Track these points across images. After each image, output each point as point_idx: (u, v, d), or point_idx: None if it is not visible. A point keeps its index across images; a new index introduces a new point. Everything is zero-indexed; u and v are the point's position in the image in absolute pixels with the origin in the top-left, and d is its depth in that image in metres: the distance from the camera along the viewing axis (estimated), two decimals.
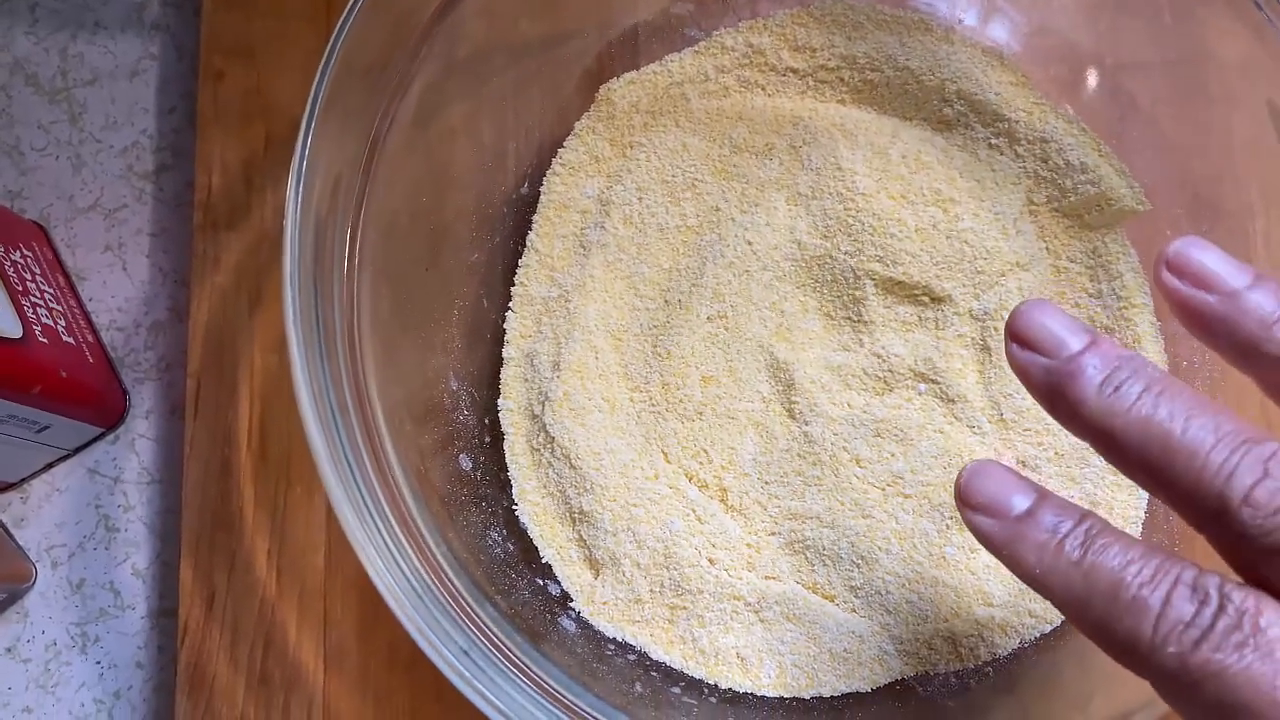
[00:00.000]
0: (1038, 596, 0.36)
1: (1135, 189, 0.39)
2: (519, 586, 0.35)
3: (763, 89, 0.42)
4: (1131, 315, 0.39)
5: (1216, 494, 0.22)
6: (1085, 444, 0.38)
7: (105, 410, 0.45)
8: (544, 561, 0.37)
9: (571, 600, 0.36)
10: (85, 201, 0.48)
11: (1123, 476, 0.37)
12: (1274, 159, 0.38)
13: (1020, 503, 0.25)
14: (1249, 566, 0.22)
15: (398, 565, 0.30)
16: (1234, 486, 0.21)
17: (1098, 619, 0.22)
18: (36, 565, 0.45)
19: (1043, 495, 0.25)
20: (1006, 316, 0.38)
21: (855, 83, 0.41)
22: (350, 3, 0.34)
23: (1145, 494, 0.38)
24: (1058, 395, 0.24)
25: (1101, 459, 0.38)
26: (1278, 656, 0.20)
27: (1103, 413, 0.23)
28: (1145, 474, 0.23)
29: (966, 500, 0.25)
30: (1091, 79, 0.41)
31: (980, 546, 0.37)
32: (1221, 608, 0.21)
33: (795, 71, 0.42)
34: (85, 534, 0.45)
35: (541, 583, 0.36)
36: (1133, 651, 0.22)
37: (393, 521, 0.31)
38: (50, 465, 0.45)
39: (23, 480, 0.45)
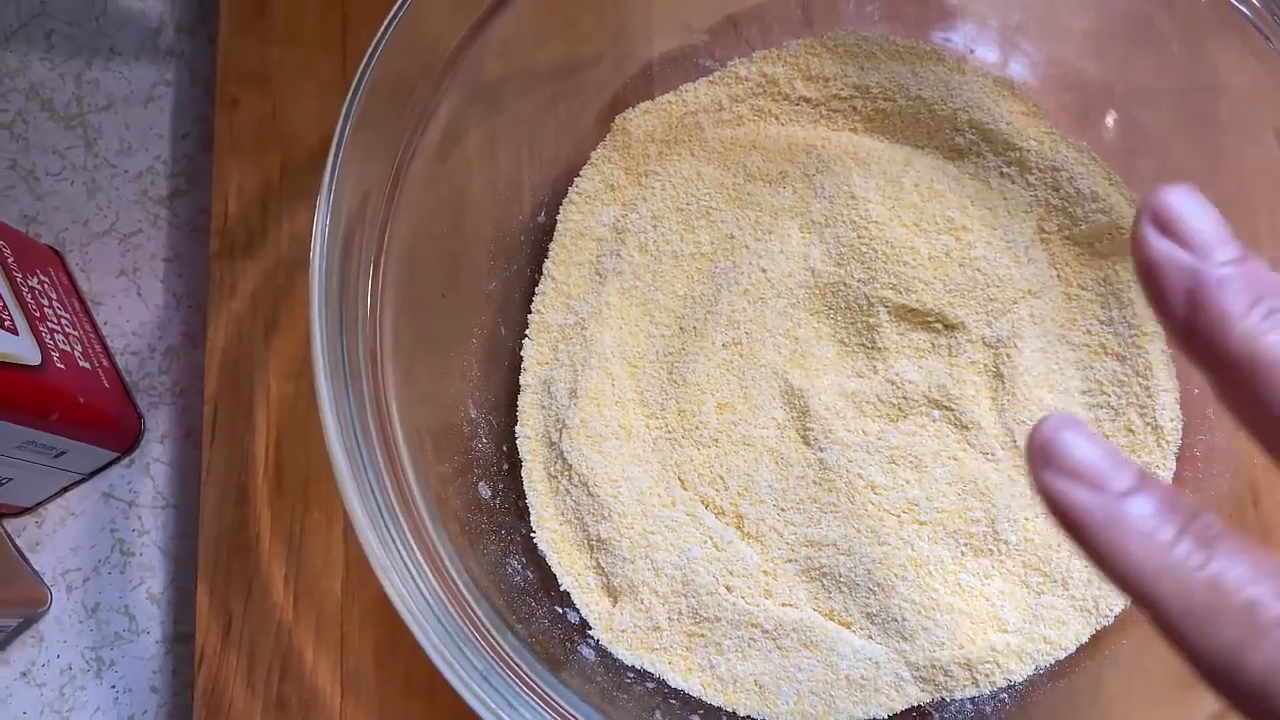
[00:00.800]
0: (1052, 622, 0.36)
1: None
2: (538, 614, 0.35)
3: (776, 118, 0.42)
4: (1143, 343, 0.39)
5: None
6: None
7: (121, 435, 0.45)
8: (562, 589, 0.37)
9: (590, 628, 0.37)
10: (100, 226, 0.48)
11: None
12: None
13: (1125, 477, 0.19)
14: None
15: (419, 590, 0.31)
16: None
17: (1223, 644, 0.18)
18: (52, 589, 0.45)
19: (1148, 476, 0.20)
20: (1019, 344, 0.39)
21: (868, 111, 0.42)
22: (379, 32, 0.35)
23: None
24: (1198, 302, 0.20)
25: None
26: None
27: (1250, 339, 0.19)
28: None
29: (1053, 459, 0.20)
30: (1102, 108, 0.42)
31: (994, 573, 0.37)
32: None
33: (808, 100, 0.42)
34: (100, 558, 0.45)
35: (560, 610, 0.37)
36: (1237, 681, 0.18)
37: (414, 546, 0.32)
38: (65, 489, 0.46)
39: (38, 504, 0.45)
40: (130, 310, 0.48)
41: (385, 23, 0.35)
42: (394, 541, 0.30)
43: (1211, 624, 0.18)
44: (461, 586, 0.32)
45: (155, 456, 0.46)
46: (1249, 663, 0.18)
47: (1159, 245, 0.20)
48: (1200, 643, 0.19)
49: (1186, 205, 0.20)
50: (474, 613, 0.31)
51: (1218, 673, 0.19)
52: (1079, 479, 0.19)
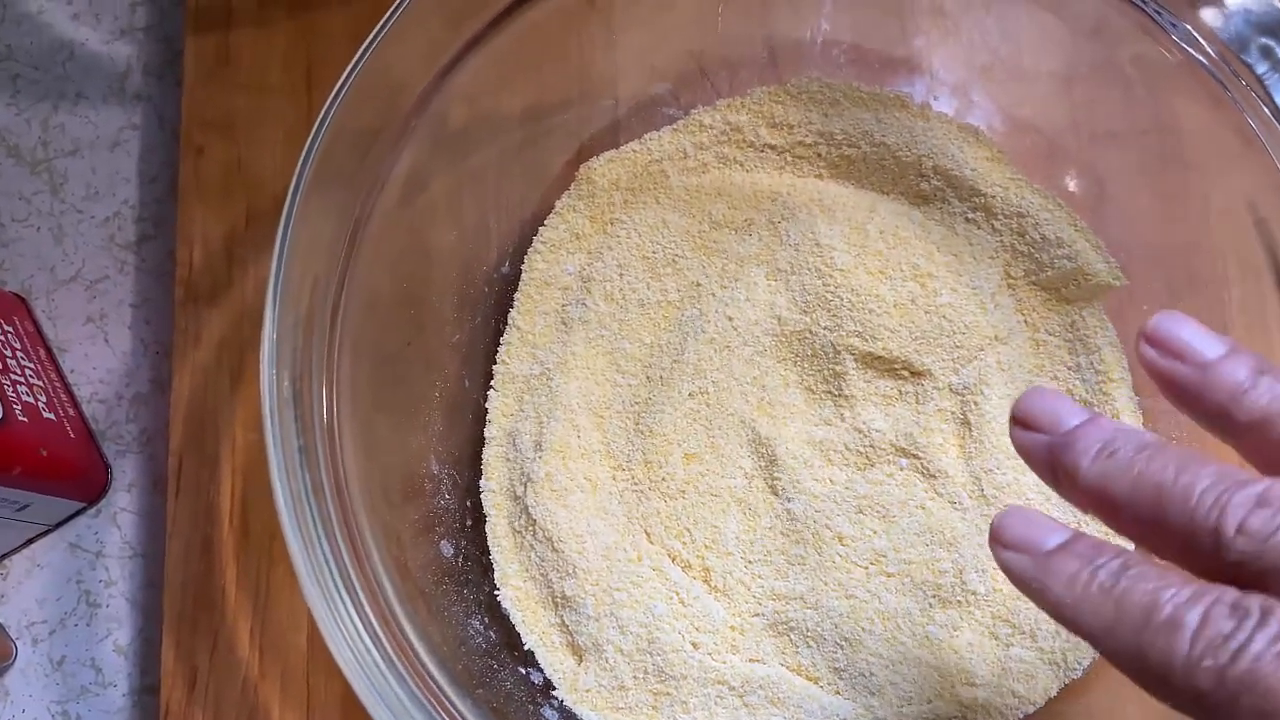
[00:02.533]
0: (1020, 676, 0.36)
1: (1111, 264, 0.40)
2: (501, 677, 0.35)
3: (741, 165, 0.42)
4: (1110, 390, 0.39)
5: (1211, 529, 0.22)
6: (1066, 520, 0.38)
7: (86, 485, 0.45)
8: (526, 649, 0.37)
9: (554, 689, 0.36)
10: (66, 273, 0.48)
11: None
12: (1248, 229, 0.38)
13: (1054, 538, 0.24)
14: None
15: (373, 660, 0.30)
16: (1227, 520, 0.22)
17: (1129, 645, 0.22)
18: (17, 643, 0.44)
19: (1079, 534, 0.25)
20: (986, 391, 0.39)
21: (833, 158, 0.42)
22: (339, 81, 0.35)
23: None
24: (1057, 465, 0.25)
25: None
26: None
27: (1098, 475, 0.24)
28: (1141, 527, 0.23)
29: (998, 538, 0.25)
30: (1066, 152, 0.42)
31: (962, 624, 0.37)
32: (1263, 621, 0.20)
33: (773, 148, 0.42)
34: (66, 610, 0.45)
35: (524, 671, 0.36)
36: (1167, 676, 0.21)
37: (369, 612, 0.31)
38: (30, 541, 0.45)
39: (3, 557, 0.45)
40: (97, 357, 0.47)
41: (348, 69, 0.35)
42: (345, 607, 0.30)
43: (1117, 631, 0.22)
44: (419, 651, 0.31)
45: (123, 506, 0.46)
46: (1153, 659, 0.21)
47: (1023, 436, 0.26)
48: (1114, 656, 0.22)
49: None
50: (434, 681, 0.31)
51: (1149, 680, 0.22)
52: (1015, 547, 0.25)
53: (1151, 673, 0.22)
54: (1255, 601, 0.21)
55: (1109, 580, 0.23)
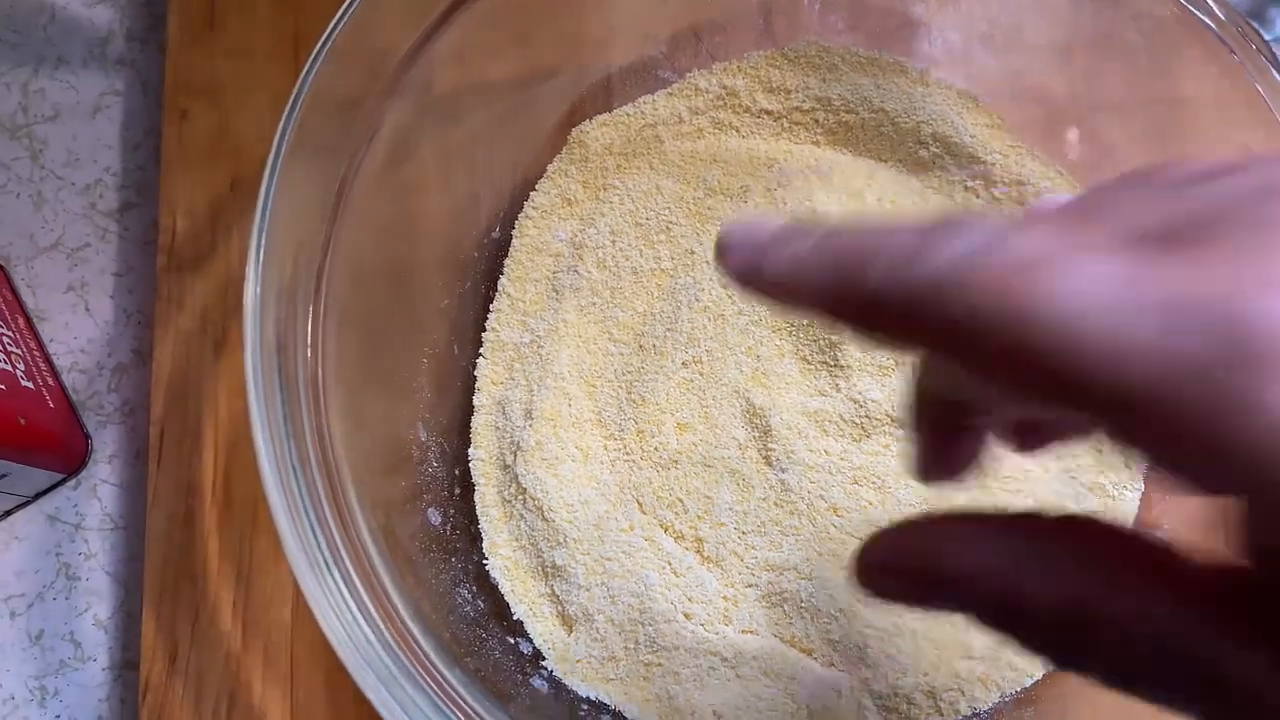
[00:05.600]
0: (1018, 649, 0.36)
1: None
2: (489, 646, 0.34)
3: (737, 130, 0.41)
4: None
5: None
6: (1066, 494, 0.38)
7: (66, 456, 0.44)
8: (515, 618, 0.36)
9: (544, 659, 0.36)
10: (47, 240, 0.47)
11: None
12: None
13: (770, 229, 0.21)
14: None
15: (361, 630, 0.29)
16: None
17: (849, 282, 0.18)
18: None
19: (797, 227, 0.21)
20: None
21: (830, 124, 0.41)
22: (319, 42, 0.34)
23: None
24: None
25: (1081, 508, 0.37)
26: (1032, 242, 0.17)
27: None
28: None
29: (721, 252, 0.22)
30: (1067, 121, 0.41)
31: None
32: (976, 225, 0.17)
33: (769, 113, 0.41)
34: (45, 583, 0.44)
35: (513, 641, 0.36)
36: (885, 302, 0.18)
37: (356, 581, 0.30)
38: (9, 512, 0.44)
39: None
40: (78, 326, 0.46)
41: (328, 29, 0.34)
42: (332, 576, 0.29)
43: (823, 289, 0.19)
44: (407, 620, 0.30)
45: (103, 477, 0.45)
46: (857, 295, 0.18)
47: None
48: (827, 315, 0.19)
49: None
50: (421, 649, 0.30)
51: (857, 319, 0.19)
52: (736, 251, 0.21)
53: (873, 305, 0.18)
54: (971, 218, 0.18)
55: (824, 240, 0.20)
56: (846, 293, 0.19)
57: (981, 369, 0.18)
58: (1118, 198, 0.19)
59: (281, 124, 0.33)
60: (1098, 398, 0.16)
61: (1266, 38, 0.38)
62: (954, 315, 0.17)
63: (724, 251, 0.22)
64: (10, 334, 0.44)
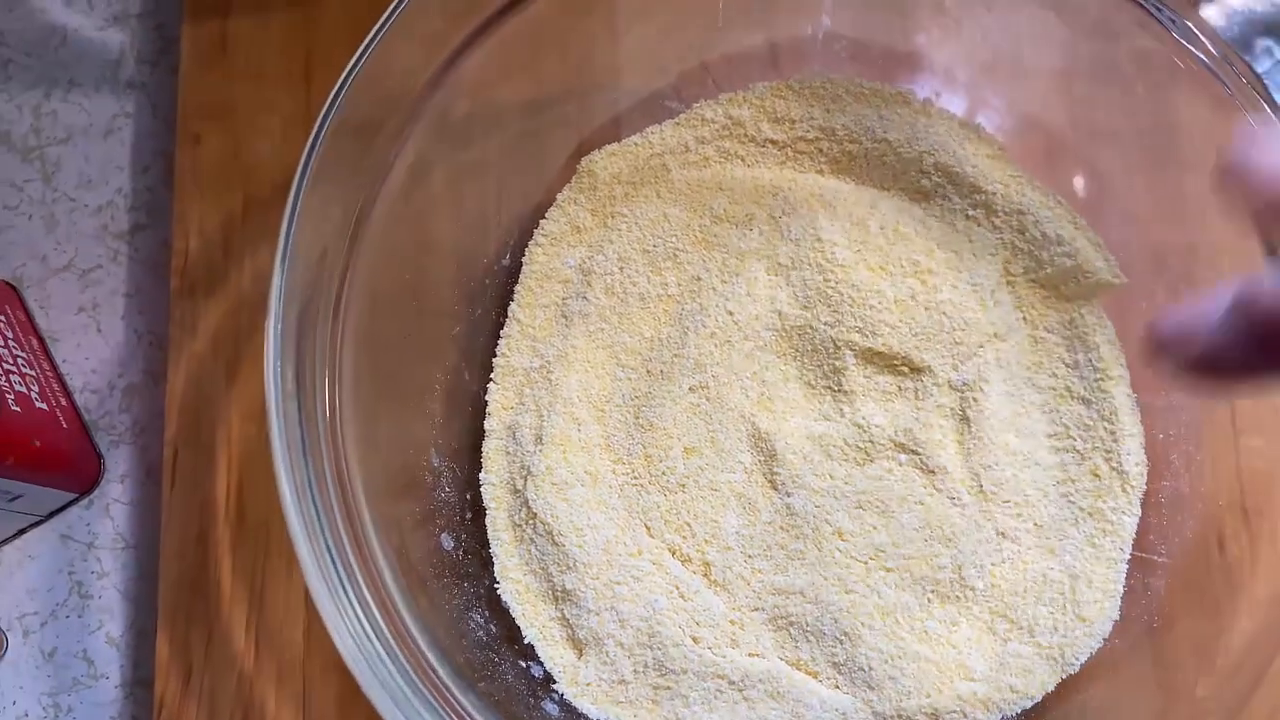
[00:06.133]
0: (1018, 670, 0.36)
1: (1110, 262, 0.40)
2: (501, 670, 0.35)
3: (742, 160, 0.42)
4: (1108, 387, 0.39)
5: None
6: (1064, 518, 0.39)
7: (79, 476, 0.45)
8: (526, 642, 0.37)
9: (555, 682, 0.36)
10: (59, 262, 0.48)
11: (1101, 550, 0.38)
12: (1247, 228, 0.38)
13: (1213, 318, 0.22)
14: None
15: (374, 648, 0.30)
16: None
17: None
18: (8, 634, 0.44)
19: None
20: (985, 387, 0.39)
21: (834, 154, 0.42)
22: (343, 73, 0.34)
23: (1124, 566, 0.38)
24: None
25: (1080, 532, 0.38)
26: None
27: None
28: None
29: (1159, 351, 0.24)
30: (1067, 150, 0.42)
31: (960, 620, 0.37)
32: None
33: (775, 143, 0.42)
34: (58, 601, 0.44)
35: (524, 665, 0.36)
36: None
37: (371, 604, 0.31)
38: (21, 531, 0.45)
39: None
40: (90, 347, 0.47)
41: (352, 61, 0.35)
42: (348, 598, 0.30)
43: None
44: (420, 643, 0.31)
45: (115, 497, 0.45)
46: None
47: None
48: None
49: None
50: (435, 673, 0.31)
51: None
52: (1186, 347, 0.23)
53: None
54: None
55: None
56: None
57: None
58: None
59: (305, 151, 0.34)
60: None
61: (1258, 70, 0.38)
62: None
63: (1163, 348, 0.23)
64: (25, 355, 0.44)
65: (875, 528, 0.38)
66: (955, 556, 0.37)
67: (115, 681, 0.44)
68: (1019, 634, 0.37)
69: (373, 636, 0.30)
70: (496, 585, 0.38)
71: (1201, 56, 0.37)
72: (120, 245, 0.48)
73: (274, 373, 0.31)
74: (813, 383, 0.40)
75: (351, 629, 0.29)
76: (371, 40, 0.34)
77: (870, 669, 0.36)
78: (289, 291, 0.32)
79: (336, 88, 0.34)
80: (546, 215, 0.42)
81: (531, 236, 0.42)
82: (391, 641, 0.30)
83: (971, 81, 0.42)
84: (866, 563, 0.37)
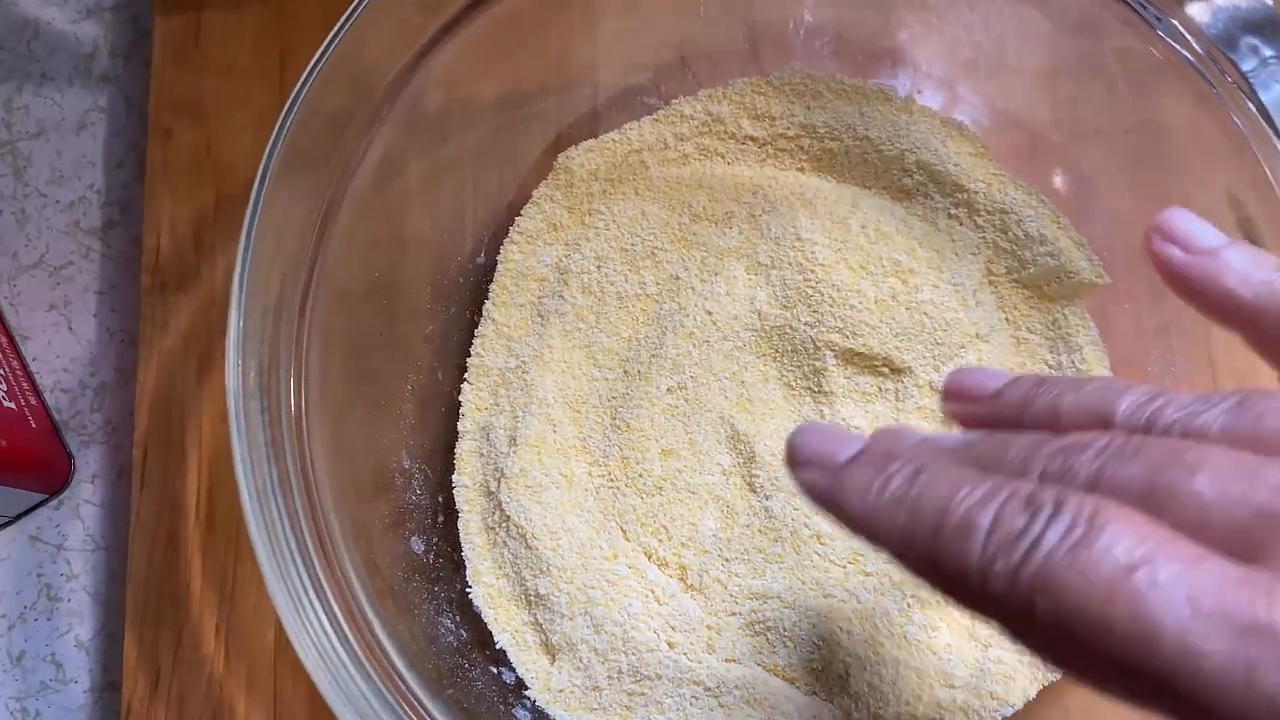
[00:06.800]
0: (999, 677, 0.36)
1: (1094, 262, 0.39)
2: (472, 676, 0.34)
3: (722, 157, 0.42)
4: None
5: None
6: None
7: (48, 476, 0.44)
8: (498, 647, 0.36)
9: (527, 689, 0.36)
10: (30, 258, 0.47)
11: None
12: (1231, 227, 0.38)
13: (847, 450, 0.23)
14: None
15: (340, 659, 0.29)
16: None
17: (926, 553, 0.20)
18: None
19: (871, 444, 0.23)
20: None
21: (815, 151, 0.41)
22: (311, 63, 0.34)
23: None
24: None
25: None
26: (1116, 553, 0.18)
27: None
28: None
29: (793, 457, 0.24)
30: (1049, 148, 0.41)
31: (940, 625, 0.37)
32: (1055, 514, 0.19)
33: (754, 140, 0.41)
34: (26, 604, 0.44)
35: (495, 671, 0.36)
36: (964, 582, 0.19)
37: (336, 611, 0.30)
38: None
39: None
40: (61, 345, 0.46)
41: (320, 50, 0.34)
42: (310, 602, 0.29)
43: (911, 541, 0.20)
44: (388, 650, 0.30)
45: (85, 498, 0.45)
46: (948, 566, 0.19)
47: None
48: (915, 567, 0.21)
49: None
50: (400, 678, 0.30)
51: (950, 588, 0.20)
52: (810, 466, 0.23)
53: (951, 580, 0.20)
54: (1049, 495, 0.19)
55: (901, 488, 0.21)
56: (922, 560, 0.21)
57: (1065, 659, 0.19)
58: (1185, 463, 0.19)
59: (270, 142, 0.33)
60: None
61: (1243, 68, 0.38)
62: (1047, 614, 0.18)
63: (797, 464, 0.24)
64: None
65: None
66: None
67: (84, 686, 0.43)
68: (999, 639, 0.36)
69: (337, 644, 0.29)
70: (468, 590, 0.37)
71: (1186, 54, 0.36)
72: (92, 242, 0.47)
73: (236, 370, 0.30)
74: (793, 384, 0.39)
75: (314, 636, 0.29)
76: (340, 28, 0.34)
77: (849, 675, 0.35)
78: (252, 286, 0.31)
79: (304, 76, 0.34)
80: (522, 212, 0.41)
81: (507, 234, 0.41)
82: (357, 648, 0.30)
83: (954, 79, 0.41)
84: (845, 567, 0.37)
